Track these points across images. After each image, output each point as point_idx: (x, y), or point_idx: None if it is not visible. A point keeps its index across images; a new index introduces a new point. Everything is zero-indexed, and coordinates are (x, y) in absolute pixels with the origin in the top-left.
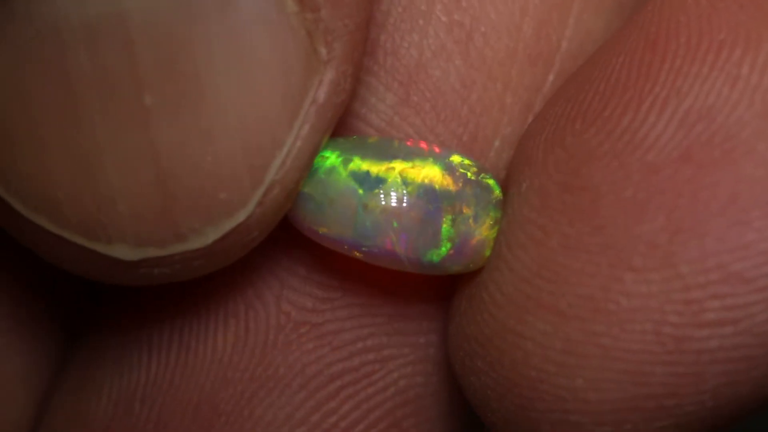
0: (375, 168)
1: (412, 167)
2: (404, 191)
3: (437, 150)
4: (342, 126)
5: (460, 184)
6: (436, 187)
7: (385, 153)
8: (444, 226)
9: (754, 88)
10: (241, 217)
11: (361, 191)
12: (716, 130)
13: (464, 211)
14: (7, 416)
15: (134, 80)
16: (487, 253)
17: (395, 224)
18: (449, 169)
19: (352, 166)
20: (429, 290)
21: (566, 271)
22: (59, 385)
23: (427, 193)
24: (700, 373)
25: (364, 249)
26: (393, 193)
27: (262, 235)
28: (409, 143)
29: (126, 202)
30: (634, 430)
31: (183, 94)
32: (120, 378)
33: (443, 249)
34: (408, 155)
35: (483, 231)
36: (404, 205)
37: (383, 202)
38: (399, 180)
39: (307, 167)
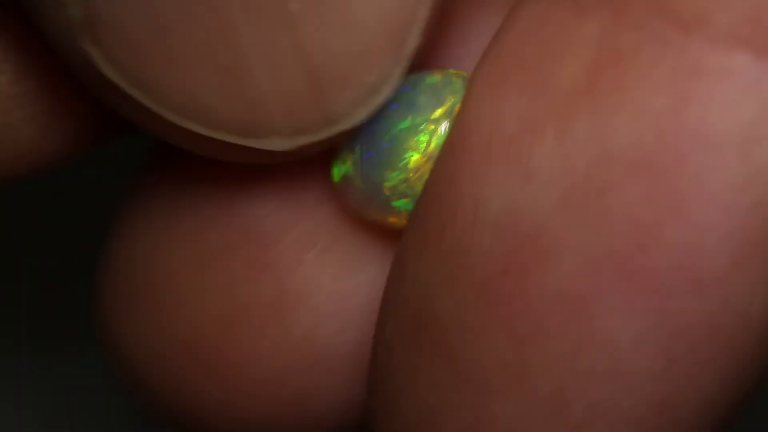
0: None
1: None
2: None
3: None
4: None
5: None
6: None
7: None
8: None
9: (547, 180)
10: (386, 92)
11: None
12: (526, 232)
13: None
14: None
15: None
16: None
17: None
18: None
19: None
20: None
21: (439, 411)
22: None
23: None
24: None
25: None
26: None
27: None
28: None
29: (278, 102)
30: None
31: None
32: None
33: None
34: None
35: None
36: None
37: None
38: None
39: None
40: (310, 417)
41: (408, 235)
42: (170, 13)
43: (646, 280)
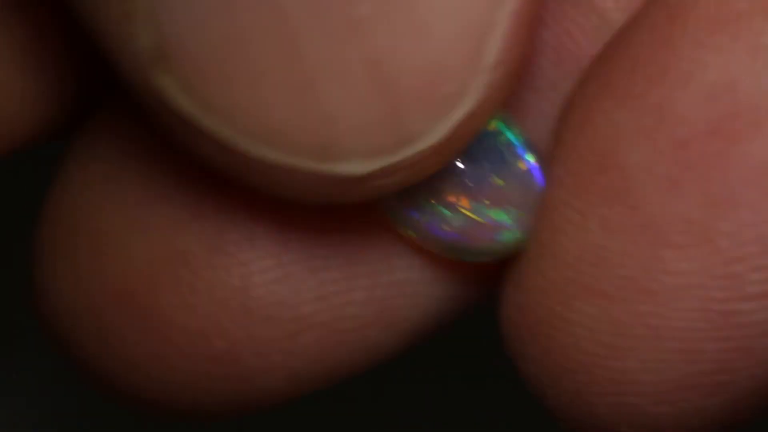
0: None
1: None
2: None
3: None
4: None
5: None
6: None
7: None
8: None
9: None
10: (467, 105)
11: None
12: (741, 102)
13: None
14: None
15: None
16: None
17: None
18: None
19: None
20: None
21: (607, 253)
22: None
23: None
24: (750, 348)
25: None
26: None
27: (487, 120)
28: None
29: (352, 115)
30: (692, 408)
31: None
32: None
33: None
34: None
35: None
36: None
37: None
38: None
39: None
40: (241, 380)
41: (597, 84)
42: (242, 32)
43: None
